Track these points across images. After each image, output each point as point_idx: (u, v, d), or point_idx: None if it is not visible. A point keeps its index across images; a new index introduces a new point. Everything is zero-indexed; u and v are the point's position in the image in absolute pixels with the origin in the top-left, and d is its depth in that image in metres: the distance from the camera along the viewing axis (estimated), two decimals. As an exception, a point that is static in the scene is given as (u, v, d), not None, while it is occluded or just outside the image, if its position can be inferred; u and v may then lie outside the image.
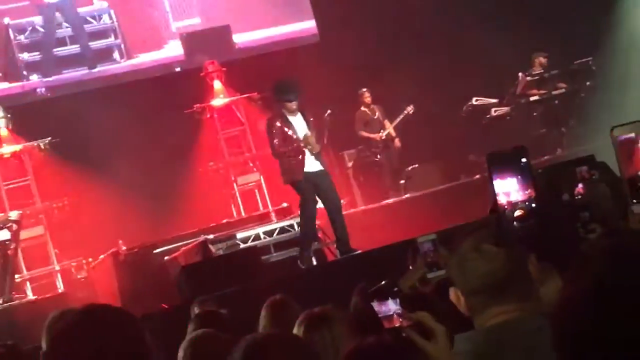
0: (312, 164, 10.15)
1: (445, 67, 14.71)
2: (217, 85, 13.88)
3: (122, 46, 14.69)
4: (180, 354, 4.28)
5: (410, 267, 4.56)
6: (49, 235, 12.71)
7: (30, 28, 14.25)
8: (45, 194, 12.91)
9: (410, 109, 14.43)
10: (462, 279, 2.65)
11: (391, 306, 2.42)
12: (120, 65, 14.68)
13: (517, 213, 2.33)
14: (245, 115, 14.02)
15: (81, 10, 14.49)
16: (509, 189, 2.36)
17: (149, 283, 11.37)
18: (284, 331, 3.10)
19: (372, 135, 14.50)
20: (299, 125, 10.17)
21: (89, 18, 14.53)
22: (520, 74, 14.83)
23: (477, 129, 14.81)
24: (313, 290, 7.96)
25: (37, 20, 14.24)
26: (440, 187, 14.00)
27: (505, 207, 2.35)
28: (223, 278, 9.21)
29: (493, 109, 14.90)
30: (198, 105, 13.81)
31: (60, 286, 12.44)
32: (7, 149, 12.81)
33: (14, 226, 10.98)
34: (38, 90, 14.15)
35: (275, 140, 10.19)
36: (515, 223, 2.41)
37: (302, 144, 9.92)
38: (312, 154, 10.08)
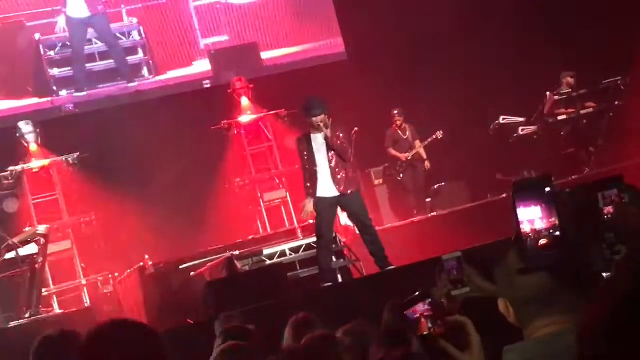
0: (330, 188, 10.06)
1: (474, 85, 14.69)
2: (245, 102, 13.93)
3: (151, 62, 14.79)
4: None
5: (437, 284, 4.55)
6: (76, 249, 12.78)
7: (60, 44, 14.38)
8: (73, 208, 12.99)
9: (439, 134, 14.47)
10: (510, 289, 2.64)
11: (418, 307, 2.40)
12: (149, 81, 14.77)
13: (542, 242, 2.33)
14: (273, 132, 14.05)
15: (111, 26, 14.62)
16: (533, 217, 2.36)
17: (175, 298, 11.40)
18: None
19: (398, 155, 14.53)
20: (320, 144, 10.09)
21: (118, 34, 14.66)
22: (547, 93, 14.78)
23: (504, 148, 14.77)
24: (338, 307, 7.95)
25: (67, 35, 14.35)
26: (467, 205, 13.96)
27: (530, 235, 2.35)
28: (248, 294, 9.21)
29: (520, 128, 14.84)
30: (225, 121, 13.86)
31: (87, 300, 12.49)
32: (36, 164, 12.91)
33: (42, 240, 11.03)
34: (65, 107, 14.26)
35: (300, 158, 10.21)
36: (539, 251, 2.41)
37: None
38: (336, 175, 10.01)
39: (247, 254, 11.82)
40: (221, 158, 14.10)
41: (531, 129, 14.83)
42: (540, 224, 2.38)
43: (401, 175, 14.57)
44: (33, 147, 12.91)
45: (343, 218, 12.32)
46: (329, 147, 10.02)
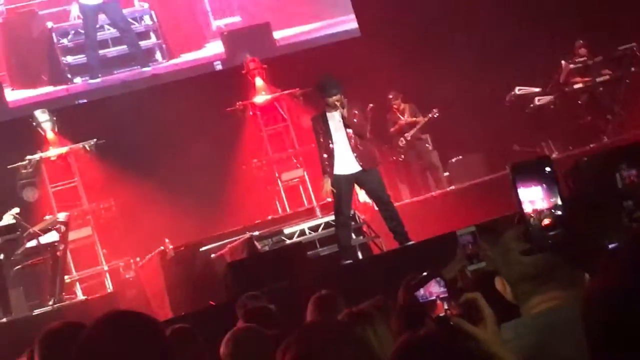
0: (348, 165, 10.07)
1: (488, 57, 14.62)
2: (259, 82, 13.92)
3: (164, 46, 14.80)
4: (222, 348, 4.32)
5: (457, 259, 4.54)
6: (97, 235, 12.85)
7: (73, 31, 14.40)
8: (92, 195, 13.04)
9: (435, 112, 14.40)
10: (506, 268, 2.65)
11: (434, 289, 2.41)
12: (162, 65, 14.78)
13: (545, 222, 2.33)
14: (288, 112, 14.05)
15: (123, 11, 14.62)
16: (534, 198, 2.36)
17: (196, 280, 11.45)
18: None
19: (395, 140, 14.51)
20: (336, 122, 10.11)
21: (130, 19, 14.67)
22: (563, 61, 14.69)
23: (521, 119, 14.71)
24: (359, 284, 7.97)
25: (80, 23, 14.37)
26: (485, 178, 13.93)
27: (532, 215, 2.34)
28: (269, 274, 9.24)
29: (536, 98, 14.77)
30: (240, 102, 13.86)
31: (109, 286, 12.56)
32: (54, 152, 12.96)
33: (62, 228, 11.08)
34: (78, 101, 14.29)
35: (317, 137, 10.21)
36: (543, 232, 2.41)
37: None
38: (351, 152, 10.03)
39: (266, 234, 11.85)
40: (237, 139, 14.10)
41: (547, 98, 14.75)
42: (542, 204, 2.37)
43: (402, 157, 14.57)
44: (50, 135, 12.96)
45: (362, 195, 12.33)
46: (346, 125, 10.04)
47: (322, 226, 11.92)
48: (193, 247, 12.07)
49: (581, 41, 14.57)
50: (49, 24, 14.30)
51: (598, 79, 14.63)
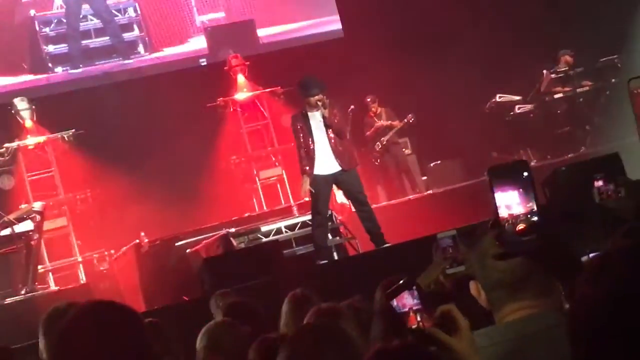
0: (328, 165, 10.08)
1: (470, 63, 14.66)
2: (241, 79, 13.90)
3: (147, 39, 14.75)
4: (198, 342, 4.31)
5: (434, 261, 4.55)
6: (72, 226, 12.79)
7: (55, 20, 14.32)
8: (68, 185, 12.98)
9: (410, 117, 14.44)
10: (482, 273, 2.65)
11: (407, 301, 2.40)
12: (144, 58, 14.73)
13: (520, 227, 2.33)
14: (269, 110, 14.04)
15: (107, 2, 14.56)
16: (510, 202, 2.36)
17: (171, 275, 11.41)
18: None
19: (371, 143, 14.54)
20: (316, 122, 10.12)
21: (114, 11, 14.61)
22: (544, 71, 14.76)
23: (501, 126, 14.76)
24: (334, 285, 7.96)
25: (62, 12, 14.30)
26: (462, 183, 13.97)
27: (508, 220, 2.34)
28: (244, 271, 9.22)
29: (517, 106, 14.84)
30: (221, 99, 13.83)
31: (83, 277, 12.50)
32: (32, 140, 12.89)
33: (37, 217, 11.03)
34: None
35: (295, 136, 10.20)
36: (516, 237, 2.41)
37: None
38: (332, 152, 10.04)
39: (243, 231, 11.84)
40: (217, 136, 14.08)
41: (527, 107, 14.82)
42: (518, 209, 2.37)
43: (378, 161, 14.60)
44: (28, 123, 12.87)
45: (339, 196, 12.34)
46: (327, 125, 10.05)
47: (298, 225, 11.91)
48: (168, 241, 12.04)
49: (568, 50, 14.63)
50: (32, 12, 14.21)
51: (578, 89, 14.71)
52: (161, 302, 10.27)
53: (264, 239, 11.66)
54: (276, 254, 10.11)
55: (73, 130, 12.87)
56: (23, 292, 10.68)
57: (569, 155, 13.76)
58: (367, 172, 14.32)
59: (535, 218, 2.34)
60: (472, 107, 14.78)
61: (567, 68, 14.67)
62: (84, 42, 14.44)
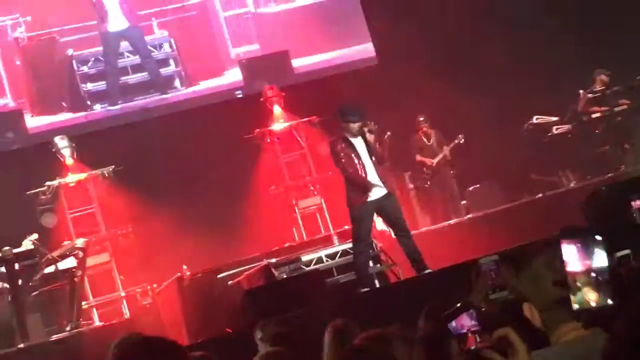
0: (375, 191, 10.11)
1: (506, 86, 14.63)
2: (277, 110, 13.97)
3: (183, 74, 14.88)
4: None
5: (474, 288, 4.54)
6: (114, 262, 12.87)
7: (93, 58, 14.50)
8: (110, 221, 13.08)
9: (461, 138, 14.42)
10: (535, 294, 2.64)
11: (465, 322, 2.40)
12: (181, 92, 14.86)
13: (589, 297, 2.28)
14: (305, 139, 14.07)
15: (144, 39, 14.75)
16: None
17: (213, 308, 11.44)
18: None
19: (424, 160, 14.51)
20: (361, 148, 10.18)
21: (149, 47, 14.76)
22: (581, 91, 14.69)
23: (539, 148, 14.70)
24: (376, 313, 7.95)
25: (100, 50, 14.48)
26: (502, 207, 13.90)
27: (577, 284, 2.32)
28: (286, 301, 9.23)
29: (554, 127, 14.77)
30: (258, 130, 13.90)
31: (126, 312, 12.57)
32: (72, 178, 13.01)
33: (80, 254, 11.13)
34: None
35: (343, 160, 10.21)
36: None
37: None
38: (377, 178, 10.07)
39: (284, 262, 11.85)
40: (255, 167, 14.13)
41: (565, 127, 14.75)
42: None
43: (428, 183, 14.55)
44: (69, 161, 13.01)
45: (378, 223, 12.32)
46: (370, 152, 10.09)
47: (339, 253, 11.91)
48: (210, 273, 12.08)
49: (601, 70, 14.57)
50: (70, 51, 14.40)
51: (616, 109, 14.63)
52: (205, 335, 10.31)
53: (305, 269, 11.67)
54: (317, 283, 10.12)
55: (113, 166, 12.98)
56: (68, 328, 10.76)
57: (608, 175, 13.66)
58: (409, 197, 14.33)
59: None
60: (509, 129, 14.73)
61: (603, 87, 14.60)
62: (122, 78, 14.60)
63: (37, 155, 13.27)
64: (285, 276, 11.36)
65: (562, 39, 15.00)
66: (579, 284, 2.30)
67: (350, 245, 11.13)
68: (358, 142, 10.17)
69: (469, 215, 14.01)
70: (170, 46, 14.88)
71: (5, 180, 13.16)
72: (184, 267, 12.14)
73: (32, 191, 12.66)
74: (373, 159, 10.14)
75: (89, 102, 14.46)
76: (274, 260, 11.78)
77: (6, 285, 10.52)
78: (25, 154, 13.56)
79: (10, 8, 14.24)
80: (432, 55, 15.07)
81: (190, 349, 5.96)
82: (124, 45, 14.58)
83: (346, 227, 12.39)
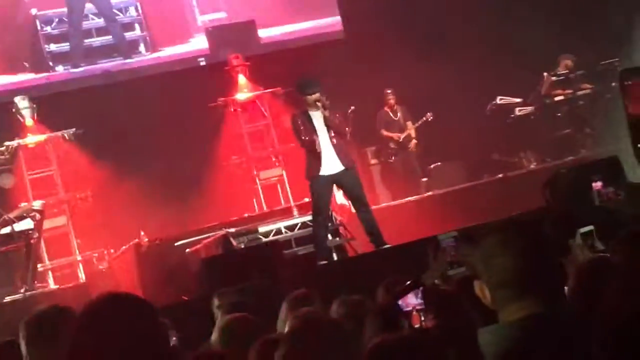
0: (331, 165, 10.11)
1: (471, 65, 14.66)
2: (242, 79, 13.91)
3: (148, 39, 14.75)
4: (215, 335, 4.34)
5: (432, 264, 4.57)
6: (72, 225, 12.79)
7: (57, 19, 14.32)
8: (68, 184, 12.98)
9: (429, 115, 14.45)
10: (487, 273, 2.66)
11: (411, 300, 2.41)
12: (145, 57, 14.73)
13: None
14: (269, 110, 14.04)
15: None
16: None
17: (170, 275, 11.42)
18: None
19: (391, 135, 14.54)
20: (320, 122, 10.16)
21: (115, 10, 14.60)
22: (545, 74, 14.77)
23: (501, 128, 14.77)
24: (334, 285, 7.97)
25: (64, 11, 14.29)
26: (462, 185, 13.98)
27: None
28: (244, 271, 9.22)
29: (517, 109, 14.85)
30: (222, 99, 13.84)
31: (82, 276, 12.50)
32: (32, 139, 12.89)
33: (37, 216, 11.05)
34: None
35: (301, 134, 10.23)
36: None
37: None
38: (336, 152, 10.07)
39: (242, 232, 11.83)
40: (218, 136, 14.08)
41: (528, 109, 14.83)
42: None
43: (392, 158, 14.58)
44: (29, 122, 12.88)
45: (339, 196, 12.34)
46: (328, 125, 10.08)
47: (298, 225, 11.92)
48: (168, 241, 12.05)
49: (568, 55, 14.65)
50: (33, 11, 14.21)
51: (579, 92, 14.73)
52: (160, 302, 10.26)
53: (264, 239, 11.67)
54: (276, 254, 10.13)
55: (74, 129, 12.87)
56: (23, 290, 10.70)
57: (569, 158, 13.78)
58: (370, 172, 14.36)
59: None
60: (472, 109, 14.77)
61: (567, 71, 14.69)
62: (86, 41, 14.44)
63: (-3, 115, 13.12)
64: (243, 246, 11.35)
65: (530, 21, 15.04)
66: None
67: (309, 217, 11.14)
68: (316, 116, 10.17)
69: (429, 193, 14.07)
70: (136, 10, 14.73)
71: (-37, 138, 13.00)
72: (142, 233, 12.10)
73: (-10, 151, 12.52)
74: (331, 132, 10.12)
75: (51, 63, 14.28)
76: (232, 229, 11.76)
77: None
78: (-16, 113, 13.39)
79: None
80: (399, 30, 15.04)
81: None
82: (89, 7, 14.40)
83: (306, 199, 12.39)
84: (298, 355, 2.46)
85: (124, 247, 12.31)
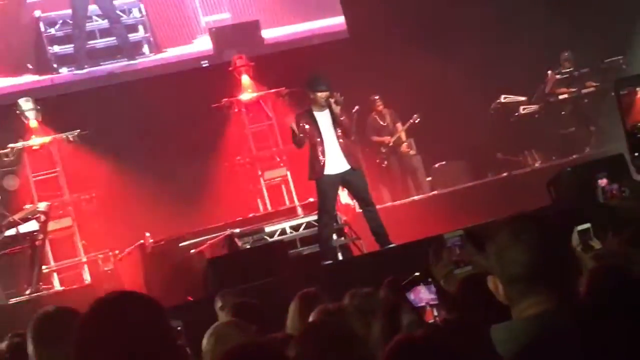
0: (337, 165, 10.06)
1: (475, 64, 14.65)
2: (245, 80, 13.91)
3: (152, 40, 14.74)
4: (205, 342, 4.32)
5: (432, 265, 4.57)
6: (77, 227, 12.80)
7: (60, 21, 14.32)
8: (73, 185, 12.99)
9: (415, 117, 14.42)
10: (500, 267, 2.64)
11: (424, 295, 2.40)
12: (149, 59, 14.73)
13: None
14: (273, 110, 14.03)
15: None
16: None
17: (175, 276, 11.41)
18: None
19: (381, 139, 14.52)
20: (325, 122, 10.10)
21: (119, 12, 14.61)
22: (549, 72, 14.76)
23: (505, 127, 14.76)
24: (339, 285, 7.96)
25: (68, 13, 14.30)
26: (467, 184, 13.97)
27: None
28: (248, 272, 9.22)
29: (521, 107, 14.84)
30: (226, 99, 13.84)
31: (87, 278, 12.51)
32: (37, 141, 12.90)
33: (42, 217, 11.05)
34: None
35: (302, 135, 10.14)
36: None
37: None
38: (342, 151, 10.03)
39: (247, 232, 11.83)
40: (222, 136, 14.08)
41: (532, 108, 14.82)
42: None
43: (385, 163, 14.57)
44: (33, 124, 12.89)
45: (344, 196, 12.33)
46: (336, 124, 10.01)
47: (303, 225, 11.90)
48: (173, 242, 12.04)
49: (567, 53, 14.64)
50: (37, 13, 14.21)
51: (583, 91, 14.72)
52: (166, 303, 10.22)
53: (269, 240, 11.66)
54: (281, 254, 10.12)
55: (78, 130, 12.88)
56: (28, 292, 10.71)
57: (574, 156, 13.76)
58: (372, 173, 14.34)
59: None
60: (477, 108, 14.76)
61: (571, 69, 14.67)
62: (90, 42, 14.44)
63: (1, 117, 13.12)
64: (248, 246, 11.34)
65: (533, 20, 15.03)
66: None
67: (314, 217, 11.12)
68: (323, 116, 10.07)
69: (433, 192, 14.05)
70: (140, 11, 14.73)
71: (-32, 141, 13.01)
72: (147, 234, 12.10)
73: (-5, 152, 12.54)
74: (338, 132, 10.06)
75: (55, 65, 14.29)
76: (237, 230, 11.75)
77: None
78: (-12, 116, 13.40)
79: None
80: (404, 31, 15.04)
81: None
82: (93, 8, 14.41)
83: (311, 199, 12.40)
84: (310, 354, 2.45)
85: (129, 249, 12.31)
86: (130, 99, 13.81)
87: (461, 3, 15.17)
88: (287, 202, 13.60)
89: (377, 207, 10.92)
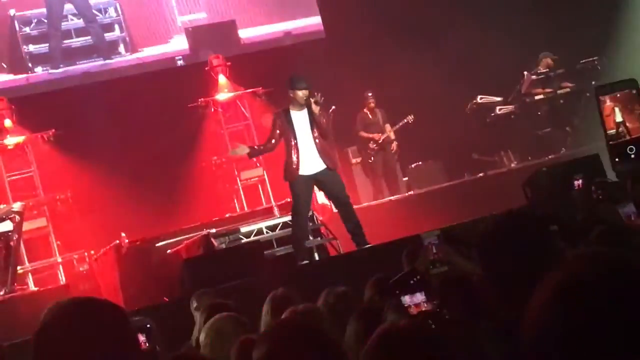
0: (311, 165, 10.03)
1: (451, 64, 14.69)
2: (222, 79, 13.88)
3: (128, 39, 14.68)
4: (202, 336, 4.32)
5: (405, 267, 4.58)
6: (52, 227, 12.73)
7: (35, 20, 14.24)
8: (48, 185, 12.92)
9: (410, 118, 14.46)
10: (484, 268, 2.63)
11: (417, 298, 2.40)
12: (125, 58, 14.67)
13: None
14: (250, 110, 14.02)
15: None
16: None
17: (151, 276, 11.37)
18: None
19: (371, 135, 14.53)
20: (302, 122, 10.05)
21: (94, 11, 14.54)
22: (525, 72, 14.81)
23: (482, 128, 14.80)
24: (314, 285, 7.95)
25: (43, 12, 14.21)
26: (443, 184, 14.00)
27: None
28: (225, 272, 9.20)
29: (497, 108, 14.88)
30: (202, 99, 13.81)
31: (62, 278, 12.44)
32: (11, 140, 12.83)
33: (17, 217, 10.96)
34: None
35: (277, 134, 10.09)
36: None
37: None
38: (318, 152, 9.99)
39: (223, 232, 11.79)
40: (198, 136, 14.05)
41: (508, 108, 14.86)
42: None
43: (372, 159, 14.58)
44: (8, 123, 12.82)
45: (320, 196, 12.33)
46: (314, 124, 9.97)
47: (279, 226, 11.87)
48: (149, 242, 12.00)
49: (546, 53, 14.70)
50: (12, 12, 14.12)
51: (559, 91, 14.78)
52: (141, 303, 10.23)
53: (245, 240, 11.63)
54: (257, 254, 10.09)
55: (53, 130, 12.81)
56: (2, 292, 10.61)
57: (549, 157, 13.81)
58: (350, 172, 14.36)
59: None
60: (453, 108, 14.79)
61: (547, 70, 14.74)
62: (65, 42, 14.36)
63: (-25, 116, 13.03)
64: (224, 247, 11.31)
65: (510, 20, 15.08)
66: None
67: (290, 218, 11.10)
68: (300, 115, 10.04)
69: (410, 192, 14.08)
70: (116, 11, 14.66)
71: (-58, 140, 12.90)
72: (123, 234, 12.04)
73: (-31, 152, 12.45)
74: (315, 132, 10.03)
75: (30, 64, 14.19)
76: (214, 230, 11.71)
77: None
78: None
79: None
80: (380, 31, 15.06)
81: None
82: (68, 7, 14.33)
83: (288, 199, 12.35)
84: (275, 355, 2.43)
85: (104, 249, 12.25)
86: (106, 99, 13.75)
87: (438, 3, 15.20)
88: (264, 202, 13.58)
89: (355, 207, 10.91)
